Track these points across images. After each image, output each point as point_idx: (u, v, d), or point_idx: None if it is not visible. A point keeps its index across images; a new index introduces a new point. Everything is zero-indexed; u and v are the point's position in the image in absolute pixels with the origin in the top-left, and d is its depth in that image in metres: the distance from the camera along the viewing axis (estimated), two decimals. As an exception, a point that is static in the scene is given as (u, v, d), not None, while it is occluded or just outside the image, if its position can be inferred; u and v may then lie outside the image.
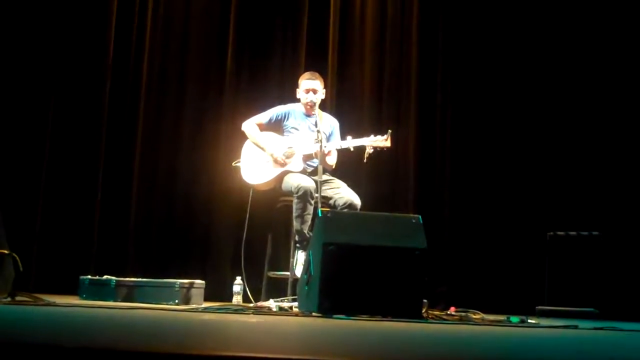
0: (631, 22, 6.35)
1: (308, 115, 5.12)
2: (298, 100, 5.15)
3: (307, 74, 5.16)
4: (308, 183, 4.79)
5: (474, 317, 4.30)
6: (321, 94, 5.09)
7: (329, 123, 5.17)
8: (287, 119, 5.13)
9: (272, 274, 5.09)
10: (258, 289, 5.07)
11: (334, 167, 5.06)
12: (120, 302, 4.85)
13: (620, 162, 6.23)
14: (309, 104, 5.04)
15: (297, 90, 5.13)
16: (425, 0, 6.57)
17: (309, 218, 4.77)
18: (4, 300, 4.04)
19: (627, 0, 6.39)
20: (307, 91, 5.05)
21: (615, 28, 6.38)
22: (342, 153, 5.02)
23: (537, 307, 5.68)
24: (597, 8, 6.40)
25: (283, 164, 4.99)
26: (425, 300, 4.19)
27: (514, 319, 4.23)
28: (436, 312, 4.38)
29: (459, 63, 6.51)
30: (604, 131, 6.29)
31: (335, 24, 6.41)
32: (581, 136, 6.33)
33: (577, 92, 6.38)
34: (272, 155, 5.01)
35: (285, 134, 5.13)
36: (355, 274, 4.06)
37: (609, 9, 6.38)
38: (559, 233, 5.89)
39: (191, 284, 4.96)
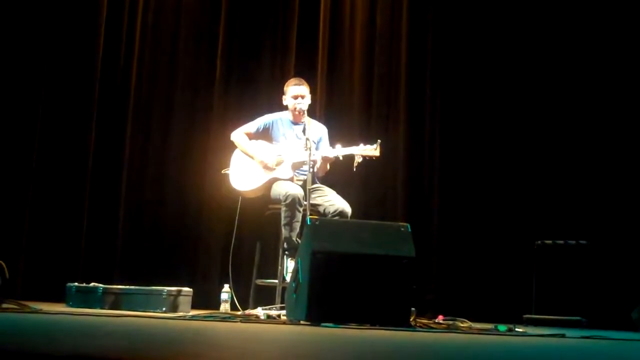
0: (617, 31, 6.40)
1: (295, 122, 5.09)
2: (285, 108, 5.13)
3: (293, 80, 5.14)
4: (296, 190, 4.78)
5: (462, 325, 4.30)
6: (308, 100, 5.06)
7: (317, 130, 5.14)
8: (274, 128, 5.10)
9: (260, 281, 5.07)
10: (246, 296, 5.06)
11: (324, 174, 5.05)
12: (108, 309, 4.83)
13: (609, 172, 6.26)
14: (298, 110, 5.00)
15: (284, 97, 5.09)
16: (415, 9, 6.60)
17: (297, 225, 4.76)
18: (-10, 307, 4.01)
19: (617, 5, 6.42)
20: (296, 97, 5.02)
21: (604, 37, 6.42)
22: (331, 161, 5.01)
23: (524, 316, 5.70)
24: (589, 10, 6.43)
25: (273, 170, 4.97)
26: (413, 309, 4.19)
27: (502, 327, 4.24)
28: (424, 321, 4.38)
29: (448, 72, 6.54)
30: (592, 141, 6.32)
31: (324, 32, 6.42)
32: (570, 146, 6.35)
33: (564, 102, 6.41)
34: (262, 162, 4.99)
35: (273, 142, 5.11)
36: (344, 282, 4.05)
37: (602, 14, 6.42)
38: (547, 242, 5.91)
39: (179, 292, 4.95)
